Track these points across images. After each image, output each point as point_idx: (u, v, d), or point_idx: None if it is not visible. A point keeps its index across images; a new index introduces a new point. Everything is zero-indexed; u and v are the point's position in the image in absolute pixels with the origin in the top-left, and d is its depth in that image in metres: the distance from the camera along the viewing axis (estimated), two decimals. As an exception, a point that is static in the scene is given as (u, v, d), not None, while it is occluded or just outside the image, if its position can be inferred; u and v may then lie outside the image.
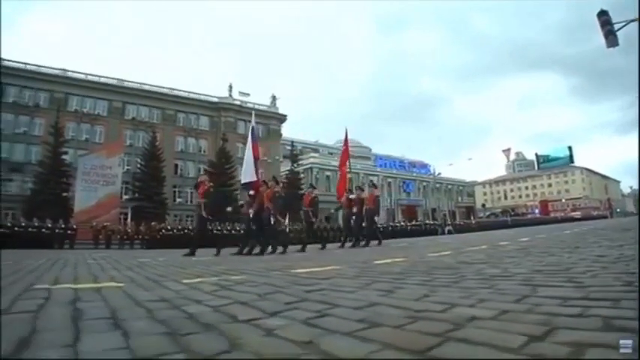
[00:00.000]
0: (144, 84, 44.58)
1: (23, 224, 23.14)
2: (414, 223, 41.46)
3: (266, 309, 1.74)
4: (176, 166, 43.76)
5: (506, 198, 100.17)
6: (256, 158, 10.50)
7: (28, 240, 20.86)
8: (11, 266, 5.63)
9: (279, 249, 9.56)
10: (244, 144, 47.55)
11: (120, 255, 11.57)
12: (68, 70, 41.52)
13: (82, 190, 31.65)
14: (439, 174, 60.75)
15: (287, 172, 46.22)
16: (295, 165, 47.79)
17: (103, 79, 42.50)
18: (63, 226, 24.54)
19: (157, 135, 40.06)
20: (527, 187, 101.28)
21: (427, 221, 45.55)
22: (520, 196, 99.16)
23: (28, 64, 40.47)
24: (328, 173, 57.19)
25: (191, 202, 43.18)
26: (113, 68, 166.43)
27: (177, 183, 42.82)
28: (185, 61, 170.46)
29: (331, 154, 65.63)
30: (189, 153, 45.67)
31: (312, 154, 58.26)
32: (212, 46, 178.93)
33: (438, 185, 68.90)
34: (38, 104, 39.56)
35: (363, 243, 11.22)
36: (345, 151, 14.92)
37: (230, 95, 48.99)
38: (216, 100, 48.04)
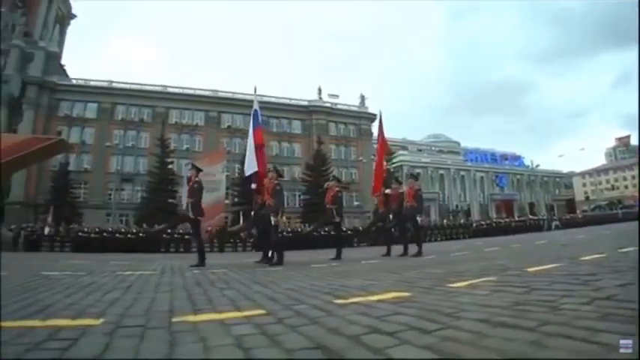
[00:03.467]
0: (236, 93, 45.39)
1: (134, 230, 23.99)
2: (517, 219, 37.84)
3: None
4: (270, 169, 42.96)
5: (612, 189, 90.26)
6: (259, 145, 8.91)
7: (140, 244, 21.90)
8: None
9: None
10: (337, 145, 47.83)
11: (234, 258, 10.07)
12: (168, 86, 43.25)
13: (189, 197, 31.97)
14: (537, 166, 55.95)
15: (409, 173, 44.54)
16: (390, 164, 45.81)
17: (198, 92, 43.80)
18: (169, 231, 24.56)
19: (255, 141, 39.71)
20: (633, 177, 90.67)
21: (531, 216, 41.53)
22: (626, 187, 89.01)
23: (133, 83, 42.88)
24: (418, 170, 54.65)
25: (287, 204, 42.95)
26: (206, 81, 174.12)
27: (271, 186, 42.00)
28: (270, 67, 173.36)
29: (420, 150, 63.00)
30: (283, 157, 45.52)
31: (401, 152, 55.98)
32: (292, 51, 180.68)
33: (532, 178, 63.76)
34: (143, 119, 41.92)
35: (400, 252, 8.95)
36: (382, 140, 12.63)
37: (320, 98, 48.50)
38: (306, 103, 47.85)
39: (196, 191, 7.62)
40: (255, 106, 9.63)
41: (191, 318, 2.06)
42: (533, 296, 2.20)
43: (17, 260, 11.19)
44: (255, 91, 10.38)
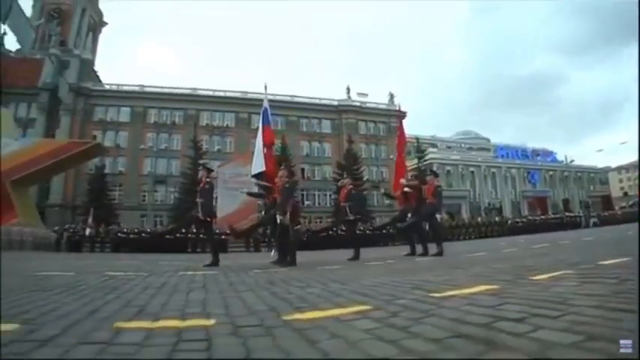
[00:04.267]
0: (266, 94, 44.53)
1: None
2: (553, 216, 36.61)
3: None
4: (303, 170, 43.48)
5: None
6: (268, 144, 8.66)
7: (174, 245, 21.33)
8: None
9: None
10: (367, 143, 47.42)
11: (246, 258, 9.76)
12: (198, 89, 43.71)
13: (222, 198, 32.17)
14: (572, 161, 54.21)
15: (414, 169, 43.99)
16: (422, 161, 45.20)
17: (228, 94, 44.07)
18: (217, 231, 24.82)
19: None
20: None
21: (567, 213, 40.16)
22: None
23: (164, 87, 43.51)
24: (449, 168, 53.85)
25: (318, 204, 42.90)
26: (236, 82, 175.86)
27: (304, 186, 42.21)
28: (297, 68, 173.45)
29: (449, 147, 61.95)
30: (314, 157, 45.48)
31: (431, 149, 55.07)
32: (319, 51, 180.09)
33: (566, 174, 61.87)
34: (174, 122, 42.51)
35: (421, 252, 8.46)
36: (401, 136, 12.00)
37: (349, 97, 48.15)
38: (336, 103, 47.58)
39: (207, 192, 7.48)
40: (265, 104, 9.47)
41: (301, 316, 2.01)
42: (628, 286, 2.19)
43: (68, 261, 11.20)
44: (265, 89, 10.37)
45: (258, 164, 8.44)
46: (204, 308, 2.38)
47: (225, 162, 35.40)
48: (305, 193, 42.19)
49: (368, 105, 47.65)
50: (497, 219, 35.19)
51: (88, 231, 24.36)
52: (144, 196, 41.34)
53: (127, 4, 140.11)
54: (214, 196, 7.85)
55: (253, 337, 1.58)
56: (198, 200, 7.47)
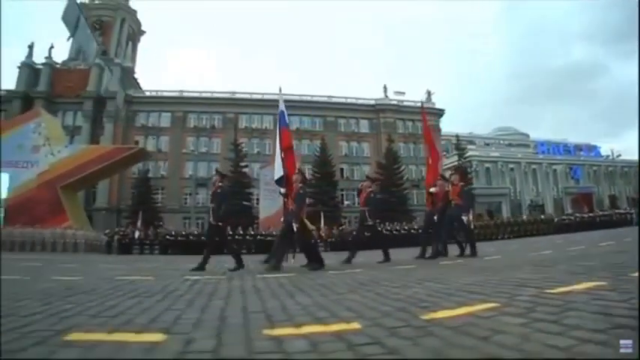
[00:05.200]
0: (303, 95, 45.31)
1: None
2: (602, 213, 34.88)
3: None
4: (342, 170, 43.06)
5: None
6: (287, 148, 8.05)
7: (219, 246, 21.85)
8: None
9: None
10: (406, 142, 46.67)
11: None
12: (236, 92, 44.00)
13: (264, 199, 32.25)
14: (619, 155, 51.83)
15: (453, 167, 43.03)
16: (463, 159, 44.08)
17: (265, 96, 44.17)
18: (253, 233, 25.42)
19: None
20: None
21: (616, 210, 38.26)
22: None
23: (203, 91, 44.04)
24: (488, 165, 52.38)
25: (358, 204, 42.32)
26: (274, 84, 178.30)
27: (343, 186, 41.62)
28: (333, 68, 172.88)
29: (488, 144, 60.29)
30: (352, 157, 45.06)
31: (469, 147, 53.80)
32: (354, 51, 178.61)
33: (611, 169, 59.20)
34: (214, 126, 43.01)
35: (457, 253, 8.12)
36: (427, 131, 11.28)
37: (386, 96, 47.48)
38: (373, 102, 46.96)
39: (219, 197, 7.26)
40: (281, 106, 8.95)
41: (439, 315, 2.02)
42: None
43: (135, 264, 11.23)
44: (280, 91, 9.73)
45: (279, 169, 8.02)
46: (339, 311, 2.32)
47: (266, 164, 35.68)
48: (344, 193, 41.61)
49: (405, 103, 46.87)
50: (542, 217, 33.97)
51: (137, 234, 24.65)
52: (185, 199, 41.96)
53: (163, 11, 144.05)
54: (227, 201, 7.57)
55: (403, 338, 1.58)
56: (211, 205, 7.38)
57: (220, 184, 7.43)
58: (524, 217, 34.85)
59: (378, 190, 8.39)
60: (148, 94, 46.43)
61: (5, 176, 25.78)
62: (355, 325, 1.86)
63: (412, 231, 24.42)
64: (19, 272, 6.27)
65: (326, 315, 2.22)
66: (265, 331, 1.81)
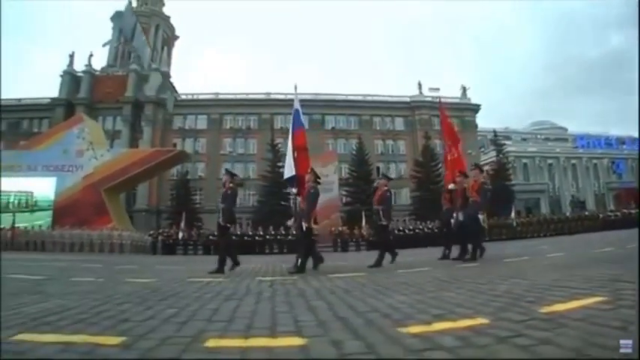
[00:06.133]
0: (337, 94, 45.15)
1: (250, 232, 24.98)
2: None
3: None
4: (378, 168, 42.40)
5: None
6: (299, 148, 8.02)
7: (255, 246, 23.19)
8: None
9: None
10: (441, 139, 45.48)
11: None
12: (271, 93, 44.05)
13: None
14: (666, 148, 49.33)
15: (491, 163, 42.01)
16: (501, 155, 42.89)
17: (300, 96, 43.95)
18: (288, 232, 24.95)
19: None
20: None
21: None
22: None
23: (238, 93, 44.29)
24: (525, 161, 50.90)
25: (395, 202, 41.86)
26: (308, 83, 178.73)
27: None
28: (366, 66, 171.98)
29: (524, 139, 58.65)
30: (388, 155, 44.55)
31: (506, 142, 52.47)
32: (385, 48, 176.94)
33: (656, 161, 56.56)
34: (249, 127, 43.21)
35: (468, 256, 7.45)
36: (447, 127, 10.71)
37: (421, 92, 46.68)
38: (408, 99, 46.15)
39: (229, 197, 7.19)
40: (296, 105, 8.87)
41: (545, 310, 2.05)
42: None
43: (192, 265, 11.30)
44: (295, 90, 9.62)
45: (290, 168, 7.93)
46: (444, 309, 2.31)
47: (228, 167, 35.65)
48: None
49: (440, 100, 45.69)
50: (586, 213, 32.81)
51: (181, 234, 24.77)
52: (224, 200, 41.95)
53: (194, 14, 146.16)
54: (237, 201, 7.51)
55: (546, 330, 1.63)
56: (220, 205, 7.21)
57: (231, 184, 7.31)
58: (568, 213, 33.78)
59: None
60: (183, 97, 47.00)
61: (53, 180, 26.54)
62: (482, 320, 1.90)
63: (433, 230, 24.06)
64: (88, 274, 6.54)
65: (442, 312, 2.23)
66: (401, 329, 1.81)
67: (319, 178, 7.37)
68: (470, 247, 7.55)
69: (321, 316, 2.29)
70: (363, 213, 26.21)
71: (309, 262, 6.91)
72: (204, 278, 5.54)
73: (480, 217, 7.33)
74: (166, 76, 48.74)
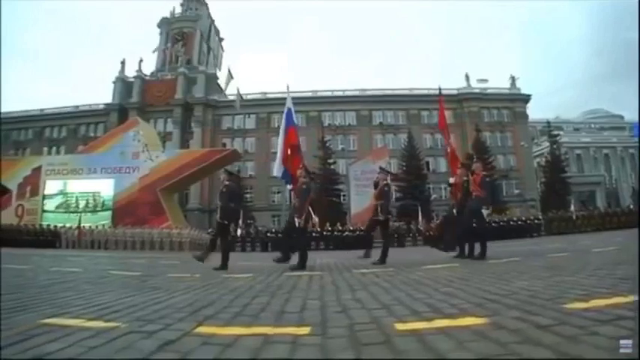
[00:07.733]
0: (385, 89, 44.62)
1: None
2: None
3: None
4: (427, 163, 41.62)
5: None
6: (291, 145, 8.18)
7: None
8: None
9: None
10: (492, 131, 44.23)
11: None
12: (318, 91, 43.93)
13: (355, 195, 31.86)
14: None
15: (545, 155, 40.41)
16: (555, 146, 41.06)
17: (347, 93, 43.81)
18: (341, 228, 25.14)
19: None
20: None
21: None
22: None
23: (285, 92, 44.14)
24: (578, 152, 48.58)
25: (445, 197, 40.76)
26: (353, 80, 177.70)
27: (430, 180, 39.89)
28: (411, 59, 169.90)
29: (577, 129, 56.13)
30: (437, 149, 43.07)
31: (559, 133, 50.37)
32: (430, 41, 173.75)
33: None
34: (297, 125, 42.89)
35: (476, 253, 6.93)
36: (442, 116, 10.43)
37: (468, 84, 45.37)
38: (455, 92, 44.78)
39: (225, 195, 7.18)
40: (289, 104, 8.99)
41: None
42: None
43: (256, 261, 11.25)
44: (287, 89, 9.75)
45: (280, 166, 8.18)
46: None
47: (355, 160, 35.32)
48: (432, 186, 40.16)
49: (489, 91, 44.49)
50: (653, 205, 30.90)
51: (239, 231, 24.87)
52: (274, 197, 42.41)
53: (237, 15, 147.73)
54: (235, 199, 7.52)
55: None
56: (218, 203, 7.29)
57: (227, 182, 7.36)
58: (631, 206, 32.03)
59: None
60: (231, 98, 47.52)
61: (111, 181, 27.34)
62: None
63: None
64: (177, 270, 6.96)
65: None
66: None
67: (311, 174, 7.38)
68: (477, 244, 7.08)
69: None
70: (419, 208, 25.70)
71: (275, 255, 7.12)
72: (299, 272, 5.69)
73: (485, 212, 6.97)
74: (213, 77, 49.48)
